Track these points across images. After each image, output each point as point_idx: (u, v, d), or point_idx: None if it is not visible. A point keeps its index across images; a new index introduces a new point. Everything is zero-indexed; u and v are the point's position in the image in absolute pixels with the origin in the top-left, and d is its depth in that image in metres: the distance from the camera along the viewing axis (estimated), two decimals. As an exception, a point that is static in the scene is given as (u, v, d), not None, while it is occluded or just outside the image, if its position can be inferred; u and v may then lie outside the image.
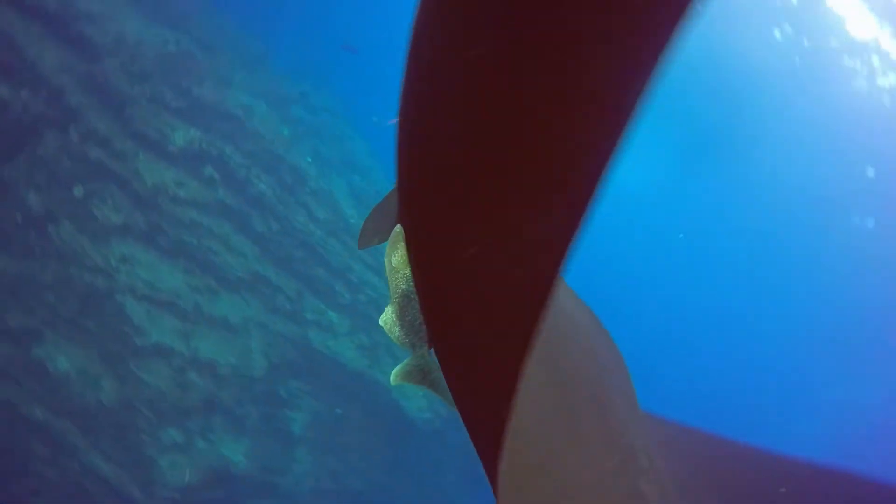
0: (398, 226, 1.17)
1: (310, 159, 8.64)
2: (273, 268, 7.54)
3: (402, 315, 1.13)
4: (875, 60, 13.70)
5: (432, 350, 1.13)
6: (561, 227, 0.42)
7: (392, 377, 1.37)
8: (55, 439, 5.52)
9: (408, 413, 7.97)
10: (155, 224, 6.27)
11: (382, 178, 10.53)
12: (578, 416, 1.60)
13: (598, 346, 2.05)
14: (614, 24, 0.39)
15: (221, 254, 6.95)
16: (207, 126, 6.99)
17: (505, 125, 0.40)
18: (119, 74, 6.18)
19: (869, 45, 13.43)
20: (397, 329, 1.14)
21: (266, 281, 7.42)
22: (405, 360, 1.15)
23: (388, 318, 1.17)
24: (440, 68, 0.41)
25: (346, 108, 11.76)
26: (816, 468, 2.34)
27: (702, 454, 2.33)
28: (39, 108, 5.64)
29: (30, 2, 5.91)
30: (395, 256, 1.13)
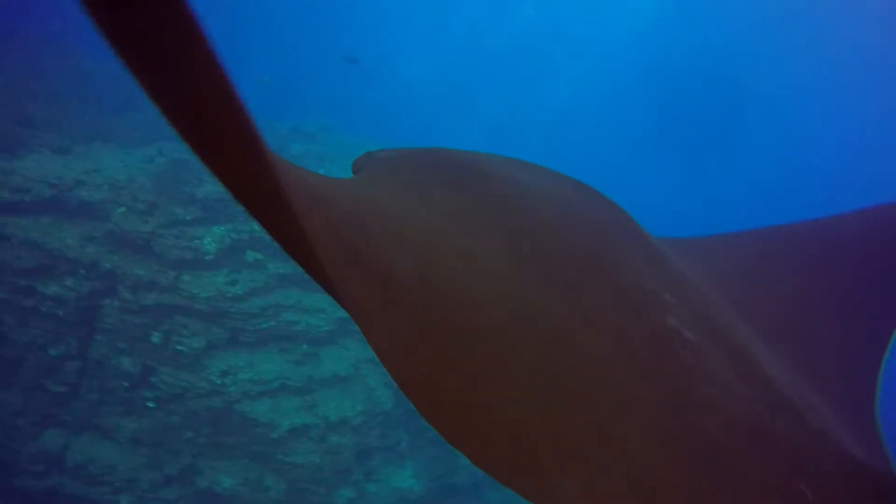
0: None
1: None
2: (351, 306, 7.66)
3: None
4: None
5: None
6: None
7: None
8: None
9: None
10: (232, 328, 6.52)
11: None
12: (574, 275, 1.42)
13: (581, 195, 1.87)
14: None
15: (302, 320, 7.13)
16: (227, 217, 7.08)
17: None
18: (130, 218, 6.36)
19: None
20: None
21: (351, 320, 7.56)
22: None
23: None
24: None
25: (338, 119, 11.53)
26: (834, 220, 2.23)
27: (735, 257, 2.16)
28: (86, 287, 5.95)
29: (29, 198, 6.18)
30: None
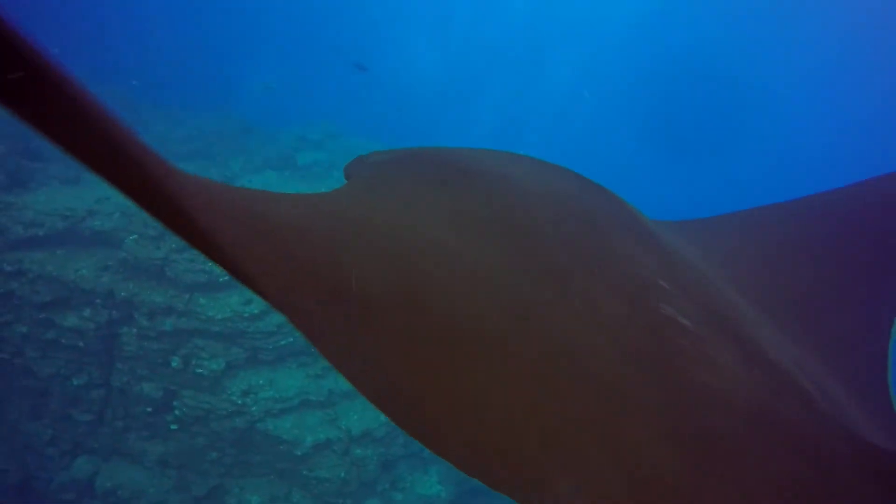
0: None
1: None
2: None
3: None
4: None
5: None
6: None
7: None
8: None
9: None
10: (250, 347, 6.55)
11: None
12: (559, 266, 1.38)
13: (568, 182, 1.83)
14: None
15: (318, 334, 7.14)
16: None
17: None
18: (143, 244, 6.39)
19: None
20: None
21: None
22: None
23: None
24: None
25: (344, 123, 11.48)
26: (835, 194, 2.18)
27: (736, 239, 2.10)
28: (103, 316, 6.01)
29: (43, 232, 6.23)
30: None
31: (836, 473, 1.10)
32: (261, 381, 6.49)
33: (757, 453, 1.08)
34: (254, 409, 6.30)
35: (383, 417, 7.04)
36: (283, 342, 6.75)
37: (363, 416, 6.83)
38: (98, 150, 0.67)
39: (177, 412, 6.19)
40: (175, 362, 6.15)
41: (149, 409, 6.16)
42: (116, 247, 6.39)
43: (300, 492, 6.35)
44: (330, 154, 10.49)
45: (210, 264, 6.53)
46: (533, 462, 0.98)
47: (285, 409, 6.47)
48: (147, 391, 6.14)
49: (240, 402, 6.26)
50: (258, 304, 6.67)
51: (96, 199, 6.72)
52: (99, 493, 6.25)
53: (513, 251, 1.38)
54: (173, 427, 6.24)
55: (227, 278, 6.58)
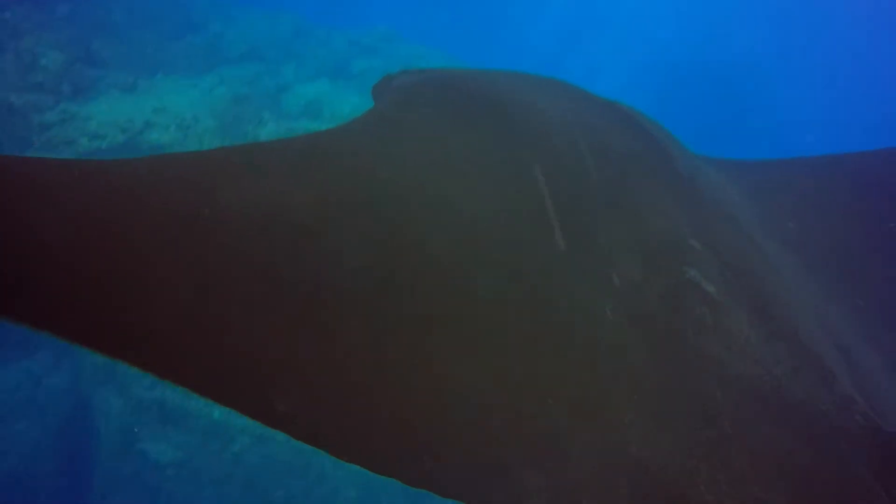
0: None
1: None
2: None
3: None
4: None
5: None
6: None
7: None
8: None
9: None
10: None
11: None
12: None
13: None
14: None
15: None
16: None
17: None
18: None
19: None
20: None
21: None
22: None
23: None
24: None
25: (396, 26, 10.84)
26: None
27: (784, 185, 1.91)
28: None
29: (105, 144, 6.42)
30: None
31: (848, 462, 1.03)
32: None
33: (759, 436, 1.02)
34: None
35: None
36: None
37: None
38: None
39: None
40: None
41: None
42: (174, 161, 6.56)
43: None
44: (385, 60, 10.02)
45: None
46: (505, 463, 0.90)
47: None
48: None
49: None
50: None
51: (153, 109, 6.79)
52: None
53: (526, 202, 1.26)
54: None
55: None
